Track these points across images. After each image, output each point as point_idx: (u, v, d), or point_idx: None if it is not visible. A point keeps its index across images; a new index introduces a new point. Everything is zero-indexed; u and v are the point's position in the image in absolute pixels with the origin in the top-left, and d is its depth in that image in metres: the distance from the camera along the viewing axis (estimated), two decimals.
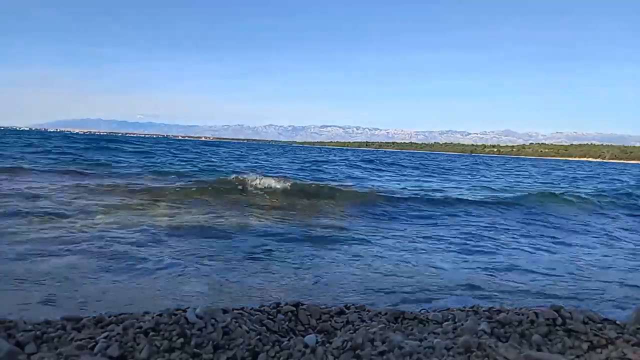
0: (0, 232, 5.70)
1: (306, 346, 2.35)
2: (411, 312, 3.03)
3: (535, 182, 23.54)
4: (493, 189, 17.15)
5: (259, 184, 11.69)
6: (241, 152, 45.47)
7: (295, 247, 6.06)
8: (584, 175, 34.18)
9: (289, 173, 18.27)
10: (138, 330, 2.27)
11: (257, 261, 5.22)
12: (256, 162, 27.02)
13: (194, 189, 11.05)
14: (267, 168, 21.86)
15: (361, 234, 7.20)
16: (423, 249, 6.37)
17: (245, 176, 12.34)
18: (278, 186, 11.63)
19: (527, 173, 33.75)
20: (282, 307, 2.90)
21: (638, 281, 5.19)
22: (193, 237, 6.21)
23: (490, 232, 8.14)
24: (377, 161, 36.82)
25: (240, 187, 11.59)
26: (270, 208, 9.51)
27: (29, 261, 4.59)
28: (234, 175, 12.94)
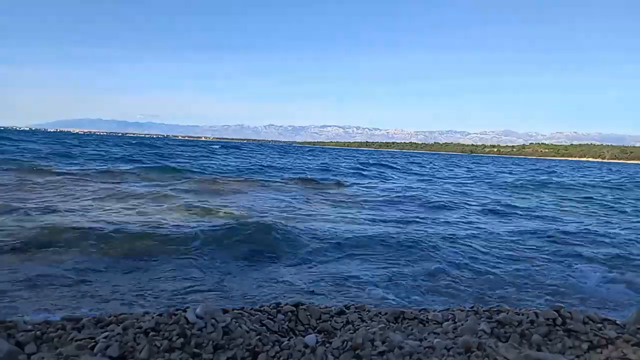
0: None
1: (306, 346, 2.35)
2: (411, 312, 3.03)
3: None
4: None
5: None
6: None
7: None
8: None
9: None
10: (138, 330, 2.27)
11: None
12: None
13: None
14: None
15: None
16: None
17: None
18: None
19: None
20: (282, 307, 2.90)
21: None
22: None
23: None
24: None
25: None
26: None
27: None
28: None
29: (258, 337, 2.37)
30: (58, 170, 15.30)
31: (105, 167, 18.03)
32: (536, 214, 11.63)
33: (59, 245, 5.52)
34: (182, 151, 39.55)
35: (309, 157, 45.13)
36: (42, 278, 4.35)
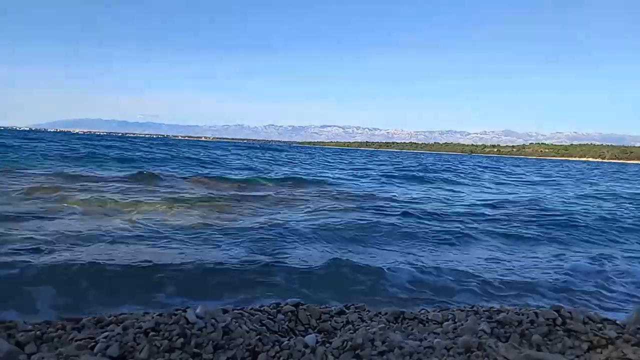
0: None
1: (306, 346, 2.35)
2: (411, 312, 3.03)
3: None
4: None
5: None
6: None
7: None
8: None
9: None
10: (138, 330, 2.27)
11: None
12: None
13: None
14: None
15: None
16: None
17: None
18: None
19: None
20: (282, 307, 2.90)
21: None
22: None
23: None
24: None
25: None
26: None
27: None
28: None
29: (258, 337, 2.37)
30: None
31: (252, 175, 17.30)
32: None
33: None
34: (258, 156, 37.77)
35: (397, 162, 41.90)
36: None
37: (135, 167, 18.14)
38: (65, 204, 8.64)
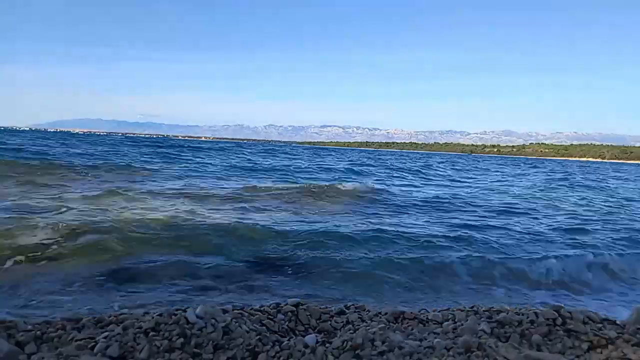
0: None
1: (306, 346, 2.35)
2: (411, 312, 3.03)
3: None
4: None
5: None
6: None
7: None
8: None
9: None
10: (138, 330, 2.27)
11: None
12: None
13: None
14: None
15: None
16: None
17: None
18: None
19: None
20: (282, 307, 2.90)
21: None
22: None
23: None
24: None
25: None
26: None
27: None
28: None
29: (258, 337, 2.37)
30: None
31: None
32: None
33: None
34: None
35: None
36: None
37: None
38: None
